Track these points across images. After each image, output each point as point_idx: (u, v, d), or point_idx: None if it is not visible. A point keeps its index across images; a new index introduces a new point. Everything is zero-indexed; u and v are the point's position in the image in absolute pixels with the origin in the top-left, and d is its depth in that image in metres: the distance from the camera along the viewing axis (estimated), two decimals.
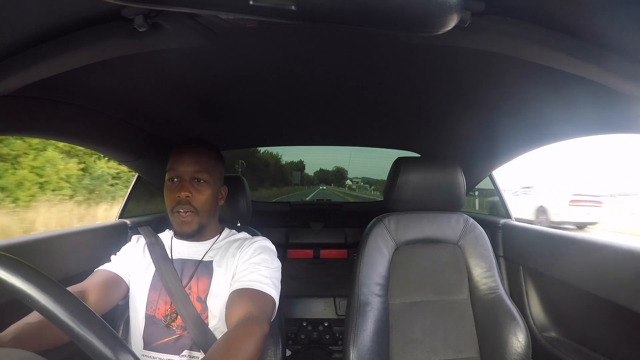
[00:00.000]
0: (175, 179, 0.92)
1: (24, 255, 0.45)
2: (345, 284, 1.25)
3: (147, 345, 0.88)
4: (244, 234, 1.04)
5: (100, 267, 0.94)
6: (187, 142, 0.96)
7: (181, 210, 0.90)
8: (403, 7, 0.39)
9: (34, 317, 0.72)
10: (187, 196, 0.90)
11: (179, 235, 0.96)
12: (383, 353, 1.06)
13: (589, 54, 0.59)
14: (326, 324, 1.94)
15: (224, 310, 0.87)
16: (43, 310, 0.40)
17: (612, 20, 0.54)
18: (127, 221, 1.41)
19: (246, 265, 0.90)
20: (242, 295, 0.83)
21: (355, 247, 1.29)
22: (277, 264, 0.95)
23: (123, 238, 1.34)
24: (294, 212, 2.20)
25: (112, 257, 0.98)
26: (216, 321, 0.87)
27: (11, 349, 0.54)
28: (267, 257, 0.93)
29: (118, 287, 0.92)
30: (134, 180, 1.58)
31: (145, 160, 1.43)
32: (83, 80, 0.86)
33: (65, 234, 1.12)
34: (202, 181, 0.93)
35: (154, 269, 0.92)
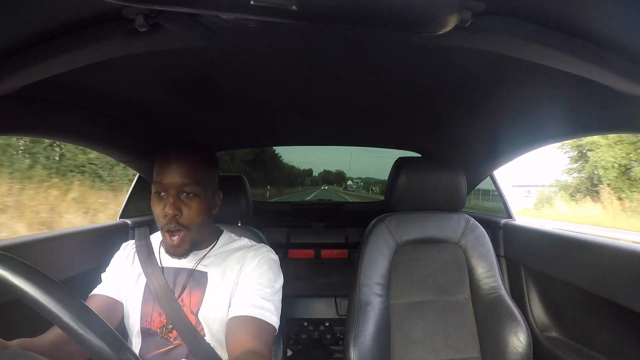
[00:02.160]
0: (162, 193, 0.83)
1: (25, 256, 0.45)
2: (346, 284, 1.25)
3: (143, 357, 0.85)
4: (244, 241, 0.97)
5: (94, 292, 0.90)
6: (173, 147, 0.85)
7: (169, 234, 0.82)
8: (404, 7, 0.39)
9: (44, 338, 0.71)
10: (175, 215, 0.81)
11: (171, 256, 0.87)
12: (384, 353, 1.06)
13: (590, 53, 0.59)
14: (327, 324, 1.94)
15: (218, 323, 0.85)
16: (43, 310, 0.40)
17: (613, 19, 0.54)
18: (128, 221, 1.41)
19: (248, 284, 0.85)
20: (245, 325, 0.79)
21: (356, 247, 1.29)
22: (281, 282, 0.90)
23: (124, 238, 1.34)
24: (295, 211, 2.20)
25: (103, 275, 0.93)
26: (209, 335, 0.84)
27: (12, 350, 0.54)
28: (271, 276, 0.87)
29: (115, 310, 0.88)
30: (135, 180, 1.58)
31: (146, 160, 1.43)
32: (83, 80, 0.86)
33: (66, 234, 1.12)
34: (191, 194, 0.83)
35: (145, 280, 0.88)
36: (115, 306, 0.89)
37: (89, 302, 0.87)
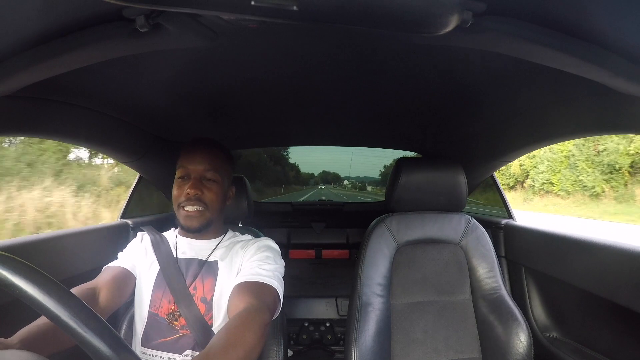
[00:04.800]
0: (185, 177, 0.93)
1: (25, 256, 0.45)
2: (347, 284, 1.25)
3: (148, 343, 0.87)
4: (247, 236, 1.05)
5: (109, 265, 0.94)
6: (198, 140, 0.98)
7: (188, 206, 0.91)
8: (404, 7, 0.39)
9: (41, 321, 0.72)
10: (197, 194, 0.91)
11: (185, 230, 0.96)
12: (385, 353, 1.06)
13: (590, 54, 0.59)
14: (328, 324, 1.94)
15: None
16: (44, 310, 0.40)
17: (613, 20, 0.54)
18: (129, 221, 1.41)
19: (249, 263, 0.90)
20: (243, 288, 0.82)
21: (357, 248, 1.29)
22: (281, 262, 0.95)
23: (125, 238, 1.34)
24: (296, 212, 2.20)
25: (119, 254, 0.98)
26: (219, 322, 0.87)
27: (14, 350, 0.54)
28: (270, 255, 0.93)
29: (128, 282, 0.92)
30: (136, 181, 1.58)
31: (147, 160, 1.43)
32: (84, 81, 0.86)
33: (66, 234, 1.12)
34: (211, 180, 0.94)
35: (158, 267, 0.92)
36: (129, 278, 0.92)
37: (104, 273, 0.90)
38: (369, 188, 5.56)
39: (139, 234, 1.03)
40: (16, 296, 0.40)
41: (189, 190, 0.90)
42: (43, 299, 0.40)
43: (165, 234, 1.02)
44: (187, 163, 0.93)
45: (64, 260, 1.06)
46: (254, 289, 0.82)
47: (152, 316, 0.89)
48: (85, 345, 0.40)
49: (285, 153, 4.77)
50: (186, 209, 0.91)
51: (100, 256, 1.14)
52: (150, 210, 1.74)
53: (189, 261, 0.94)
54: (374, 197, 4.60)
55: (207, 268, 0.93)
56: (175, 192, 0.94)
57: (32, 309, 0.40)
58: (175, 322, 0.87)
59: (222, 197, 0.97)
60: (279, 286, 0.86)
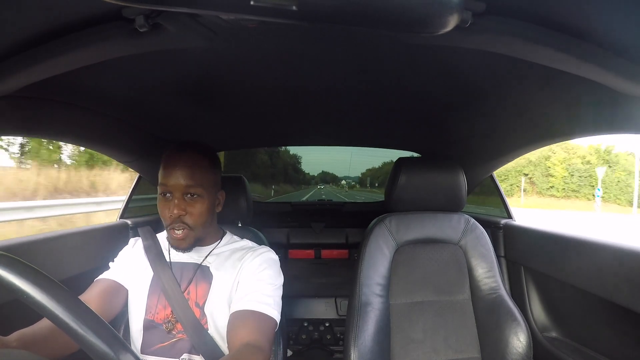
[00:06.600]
0: (167, 194, 0.86)
1: (25, 256, 0.45)
2: (347, 284, 1.26)
3: (146, 350, 0.87)
4: (246, 242, 1.00)
5: (100, 277, 0.92)
6: (178, 150, 0.88)
7: (175, 228, 0.86)
8: (404, 7, 0.39)
9: (40, 325, 0.72)
10: (180, 214, 0.85)
11: (175, 249, 0.92)
12: (384, 353, 1.06)
13: (590, 54, 0.59)
14: (327, 324, 1.94)
15: (222, 319, 0.86)
16: (44, 310, 0.40)
17: (613, 20, 0.54)
18: (128, 221, 1.41)
19: (249, 282, 0.87)
20: (245, 319, 0.80)
21: (356, 248, 1.29)
22: (281, 280, 0.92)
23: (124, 238, 1.33)
24: (295, 212, 2.20)
25: (110, 263, 0.96)
26: (213, 329, 0.86)
27: (12, 350, 0.54)
28: (271, 273, 0.89)
29: (119, 295, 0.90)
30: (135, 181, 1.58)
31: (146, 160, 1.43)
32: (83, 81, 0.86)
33: (65, 234, 1.12)
34: (195, 195, 0.86)
35: (152, 272, 0.90)
36: (120, 290, 0.91)
37: (94, 286, 0.89)
38: (357, 187, 6.16)
39: (131, 240, 1.01)
40: (16, 296, 0.40)
41: (172, 211, 0.84)
42: (43, 299, 0.40)
43: (159, 235, 1.00)
44: (167, 179, 0.85)
45: (63, 261, 1.05)
46: (257, 321, 0.80)
47: (148, 323, 0.87)
48: (85, 344, 0.40)
49: (298, 165, 5.88)
50: (174, 231, 0.86)
51: (100, 256, 1.14)
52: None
53: (184, 265, 0.92)
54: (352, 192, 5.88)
55: (201, 273, 0.90)
56: (160, 210, 0.87)
57: (31, 308, 0.40)
58: (172, 328, 0.86)
59: (208, 211, 0.89)
60: (278, 316, 0.85)
